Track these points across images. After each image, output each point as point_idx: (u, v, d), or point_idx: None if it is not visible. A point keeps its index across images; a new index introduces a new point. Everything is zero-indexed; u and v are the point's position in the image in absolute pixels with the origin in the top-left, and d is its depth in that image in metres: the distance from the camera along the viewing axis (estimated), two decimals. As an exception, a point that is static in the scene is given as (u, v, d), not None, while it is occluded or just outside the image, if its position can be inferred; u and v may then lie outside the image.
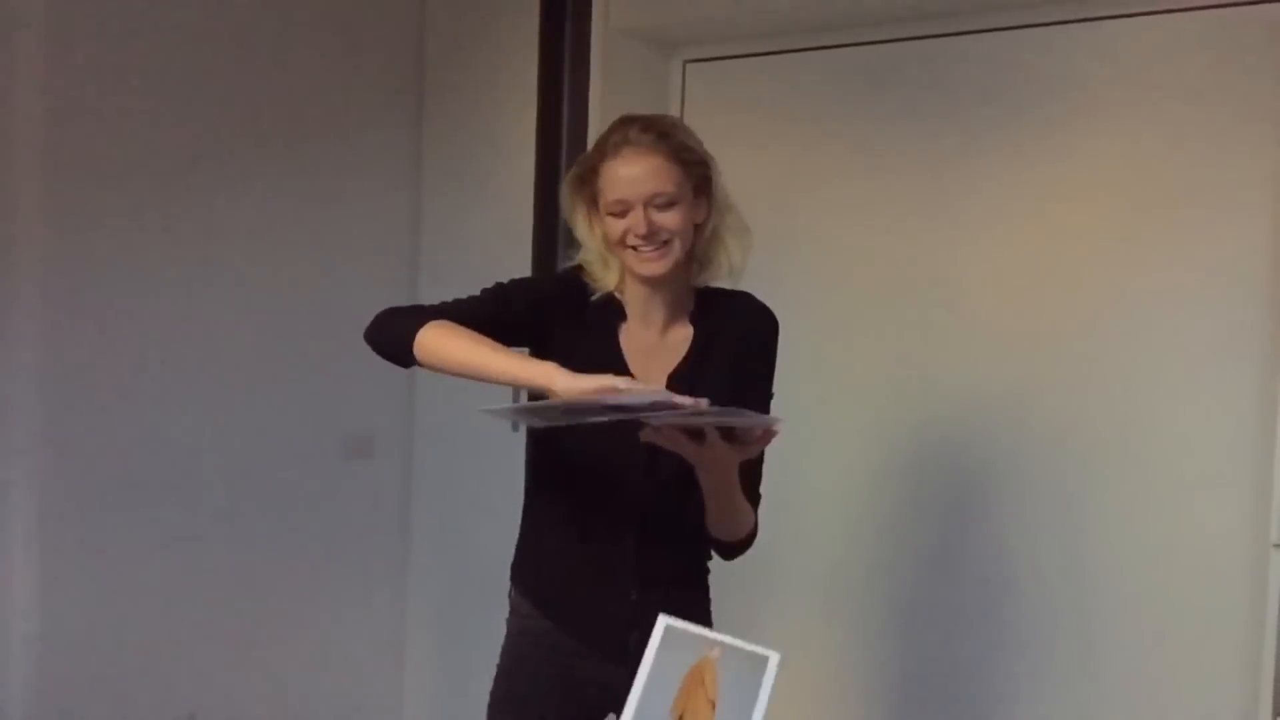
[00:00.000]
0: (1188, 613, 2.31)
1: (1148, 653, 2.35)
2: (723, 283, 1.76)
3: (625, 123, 1.68)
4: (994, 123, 2.50)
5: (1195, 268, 2.30)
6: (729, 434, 1.45)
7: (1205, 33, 2.28)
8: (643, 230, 1.62)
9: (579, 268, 1.74)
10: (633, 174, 1.62)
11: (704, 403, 1.38)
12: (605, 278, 1.71)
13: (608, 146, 1.66)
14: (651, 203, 1.62)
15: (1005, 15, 2.46)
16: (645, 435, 1.46)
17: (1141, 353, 2.36)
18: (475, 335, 1.57)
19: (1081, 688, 2.42)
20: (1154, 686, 2.34)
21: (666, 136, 1.64)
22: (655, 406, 1.39)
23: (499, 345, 1.55)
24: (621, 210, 1.63)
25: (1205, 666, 2.29)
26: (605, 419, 1.43)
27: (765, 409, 1.71)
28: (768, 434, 1.49)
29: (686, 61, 2.92)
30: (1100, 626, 2.40)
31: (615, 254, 1.68)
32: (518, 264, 2.75)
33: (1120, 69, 2.37)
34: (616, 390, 1.40)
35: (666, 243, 1.63)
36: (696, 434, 1.45)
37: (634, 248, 1.64)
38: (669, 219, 1.63)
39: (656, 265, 1.64)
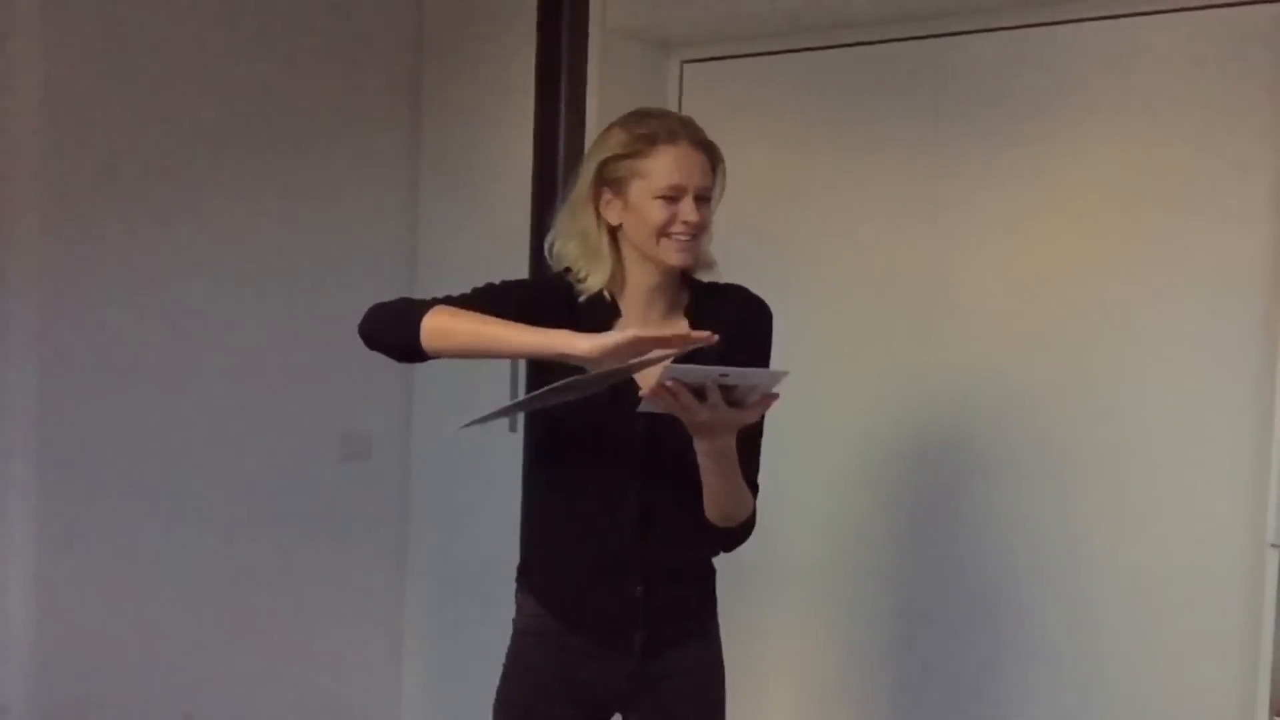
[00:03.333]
0: (1185, 612, 2.31)
1: (1144, 652, 2.35)
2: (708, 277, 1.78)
3: (666, 115, 1.71)
4: (991, 122, 2.50)
5: (1193, 266, 2.30)
6: (729, 398, 1.46)
7: (1204, 32, 2.28)
8: (695, 218, 1.64)
9: (563, 272, 1.74)
10: (692, 164, 1.66)
11: (715, 337, 1.42)
12: (595, 273, 1.70)
13: (660, 134, 1.66)
14: (700, 194, 1.66)
15: (1003, 15, 2.47)
16: (647, 396, 1.46)
17: (1139, 352, 2.36)
18: (482, 315, 1.58)
19: (1078, 687, 2.42)
20: (1151, 686, 2.35)
21: (705, 138, 1.70)
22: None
23: (508, 321, 1.56)
24: (675, 195, 1.64)
25: (1203, 666, 2.29)
26: (588, 390, 1.46)
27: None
28: (766, 399, 1.49)
29: (684, 62, 2.92)
30: (1097, 625, 2.40)
31: (650, 243, 1.66)
32: (516, 263, 2.75)
33: (1118, 69, 2.37)
34: (642, 340, 1.43)
35: (696, 237, 1.67)
36: (698, 393, 1.45)
37: (671, 235, 1.65)
38: (705, 212, 1.68)
39: (688, 256, 1.68)
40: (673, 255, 1.66)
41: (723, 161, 1.73)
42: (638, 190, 1.66)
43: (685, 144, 1.66)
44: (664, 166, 1.64)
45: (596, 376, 1.46)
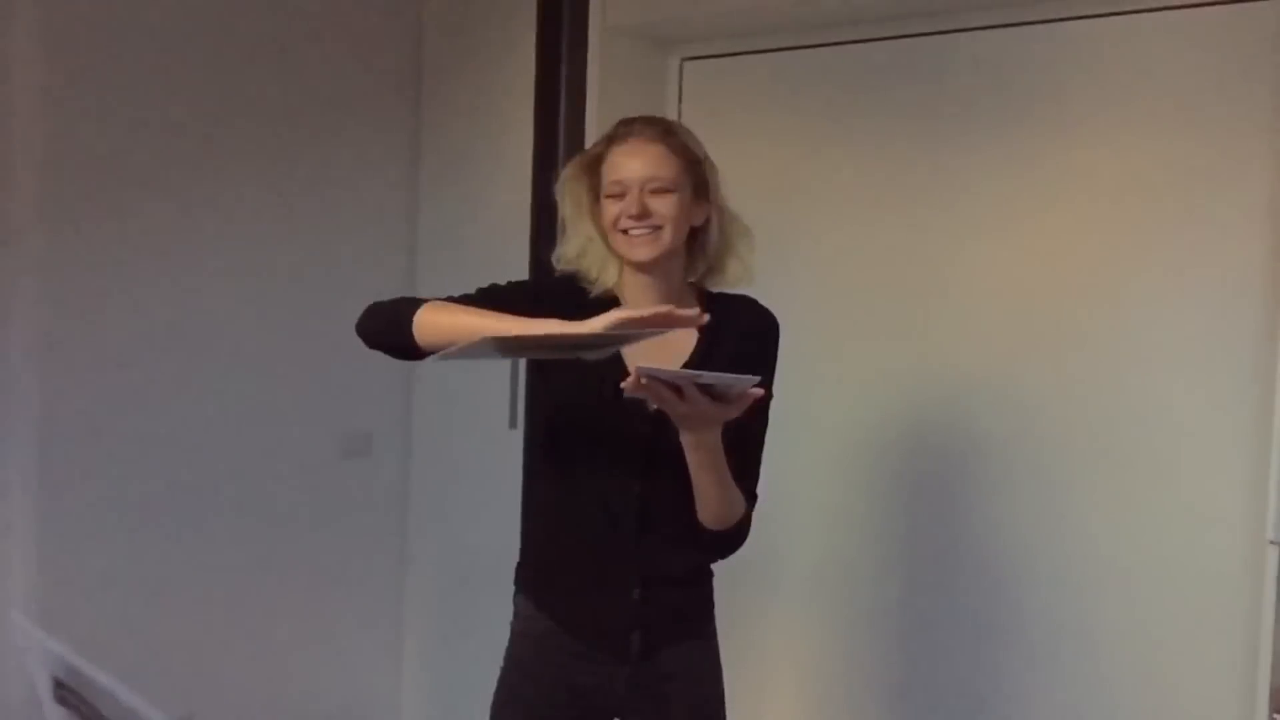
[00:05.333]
0: (1184, 609, 2.31)
1: (1144, 649, 2.35)
2: (737, 288, 1.78)
3: (631, 119, 1.73)
4: (992, 120, 2.50)
5: (1192, 264, 2.30)
6: (709, 393, 1.47)
7: (1205, 30, 2.28)
8: (634, 210, 1.65)
9: (571, 274, 1.76)
10: (633, 158, 1.67)
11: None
12: (605, 272, 1.72)
13: (615, 136, 1.70)
14: (647, 187, 1.66)
15: (1004, 12, 2.46)
16: (627, 388, 1.46)
17: (1139, 349, 2.36)
18: (472, 308, 1.60)
19: (1077, 683, 2.42)
20: (1150, 683, 2.35)
21: (670, 133, 1.70)
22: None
23: (496, 313, 1.56)
24: (619, 192, 1.67)
25: (1202, 663, 2.29)
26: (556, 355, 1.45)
27: (765, 410, 1.72)
28: (748, 394, 1.49)
29: (684, 59, 2.92)
30: (1096, 623, 2.40)
31: (615, 243, 1.69)
32: (516, 261, 2.75)
33: (1118, 66, 2.37)
34: (627, 321, 1.42)
35: (658, 229, 1.66)
36: (677, 390, 1.46)
37: (625, 231, 1.66)
38: (662, 205, 1.66)
39: (645, 250, 1.66)
40: (627, 250, 1.68)
41: (696, 156, 1.70)
42: (602, 194, 1.71)
43: (635, 140, 1.68)
44: (609, 167, 1.69)
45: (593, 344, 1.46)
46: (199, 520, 2.65)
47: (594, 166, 1.72)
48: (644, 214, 1.65)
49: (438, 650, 3.13)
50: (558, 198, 1.78)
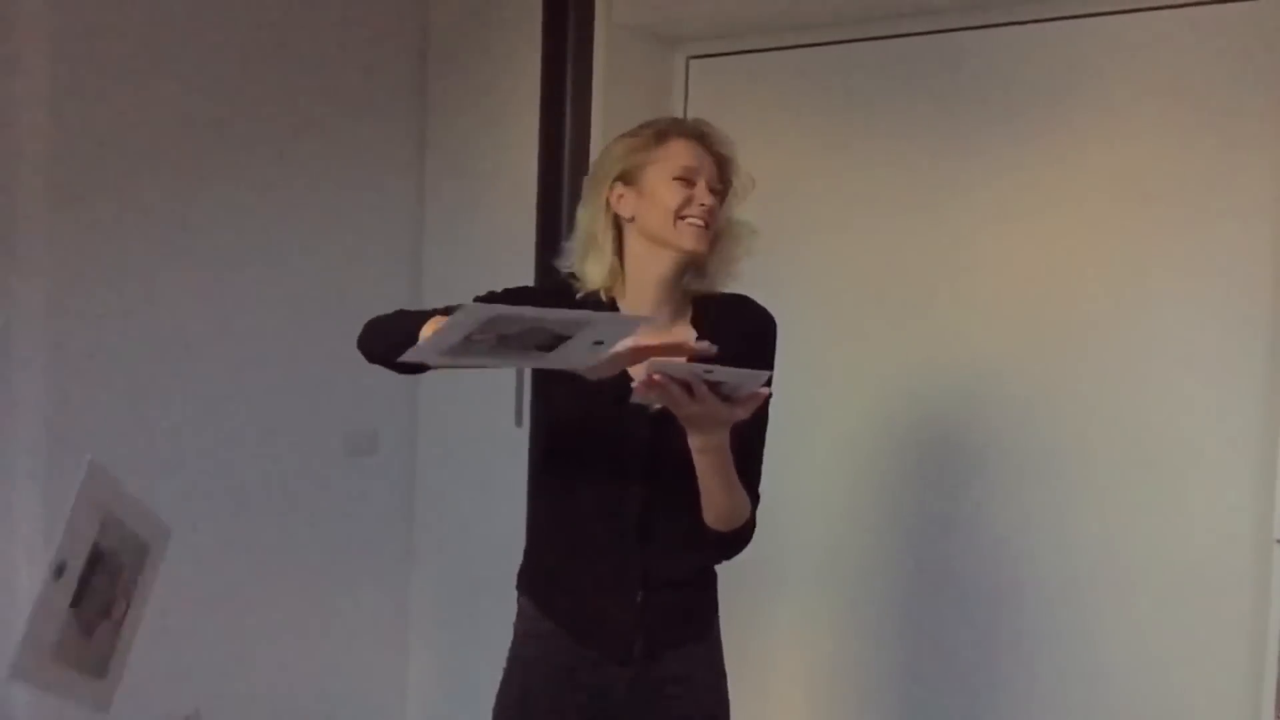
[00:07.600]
0: (1190, 609, 2.31)
1: (1149, 649, 2.35)
2: (716, 286, 1.77)
3: (698, 120, 1.76)
4: (997, 118, 2.50)
5: (1197, 264, 2.30)
6: (718, 393, 1.46)
7: (1208, 28, 2.28)
8: (709, 201, 1.67)
9: (569, 276, 1.76)
10: (706, 157, 1.70)
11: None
12: (594, 269, 1.71)
13: (672, 129, 1.72)
14: (711, 186, 1.68)
15: (1008, 10, 2.46)
16: (637, 389, 1.45)
17: (1144, 348, 2.35)
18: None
19: (1082, 682, 2.42)
20: (1155, 683, 2.34)
21: (727, 152, 1.73)
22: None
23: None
24: (690, 178, 1.67)
25: (1207, 662, 2.29)
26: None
27: (764, 410, 1.71)
28: (756, 395, 1.48)
29: (689, 58, 2.92)
30: (1101, 622, 2.40)
31: (667, 227, 1.67)
32: (521, 261, 2.75)
33: (1123, 64, 2.37)
34: (641, 350, 1.43)
35: (709, 225, 1.68)
36: (687, 388, 1.45)
37: (687, 218, 1.67)
38: (718, 206, 1.70)
39: (704, 242, 1.68)
40: (688, 239, 1.67)
41: (731, 184, 1.73)
42: (654, 174, 1.68)
43: (707, 142, 1.71)
44: (679, 151, 1.69)
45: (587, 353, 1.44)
46: (204, 517, 2.65)
47: (643, 149, 1.70)
48: (712, 209, 1.68)
49: (442, 649, 3.13)
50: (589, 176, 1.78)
